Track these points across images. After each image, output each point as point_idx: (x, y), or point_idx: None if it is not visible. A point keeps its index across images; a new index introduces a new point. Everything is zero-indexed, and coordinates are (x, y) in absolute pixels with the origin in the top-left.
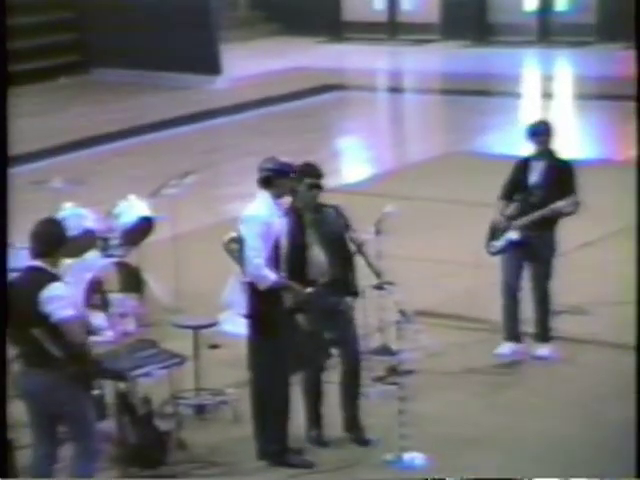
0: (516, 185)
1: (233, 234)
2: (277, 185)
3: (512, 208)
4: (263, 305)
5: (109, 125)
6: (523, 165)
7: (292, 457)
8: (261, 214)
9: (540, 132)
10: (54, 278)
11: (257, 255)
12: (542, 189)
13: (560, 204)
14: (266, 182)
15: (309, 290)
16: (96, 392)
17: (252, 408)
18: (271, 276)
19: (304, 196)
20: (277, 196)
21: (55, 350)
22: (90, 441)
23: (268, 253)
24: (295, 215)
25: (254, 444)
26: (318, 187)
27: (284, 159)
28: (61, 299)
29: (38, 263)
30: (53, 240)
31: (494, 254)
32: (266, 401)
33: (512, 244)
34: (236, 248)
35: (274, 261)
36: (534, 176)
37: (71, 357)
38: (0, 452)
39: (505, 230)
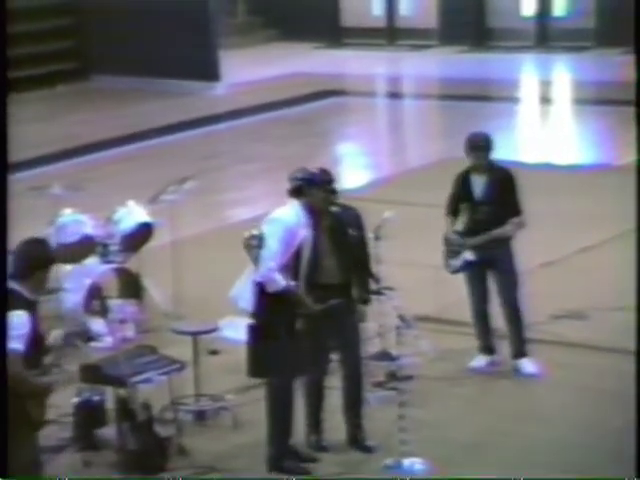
0: (459, 200)
1: (254, 231)
2: (308, 194)
3: (461, 224)
4: (268, 308)
5: (108, 132)
6: (463, 179)
7: (289, 463)
8: (288, 219)
9: (479, 147)
10: (21, 304)
11: (272, 257)
12: (487, 205)
13: (507, 228)
14: (298, 192)
15: (318, 307)
16: (96, 398)
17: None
18: (281, 281)
19: (320, 202)
20: (308, 206)
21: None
22: None
23: (287, 260)
24: (312, 221)
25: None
26: (332, 192)
27: (313, 169)
28: (11, 329)
29: (12, 285)
30: (27, 262)
31: (453, 273)
32: (268, 405)
33: (470, 264)
34: (255, 245)
35: (292, 270)
36: (477, 192)
37: (21, 394)
38: (0, 452)
39: (460, 247)
